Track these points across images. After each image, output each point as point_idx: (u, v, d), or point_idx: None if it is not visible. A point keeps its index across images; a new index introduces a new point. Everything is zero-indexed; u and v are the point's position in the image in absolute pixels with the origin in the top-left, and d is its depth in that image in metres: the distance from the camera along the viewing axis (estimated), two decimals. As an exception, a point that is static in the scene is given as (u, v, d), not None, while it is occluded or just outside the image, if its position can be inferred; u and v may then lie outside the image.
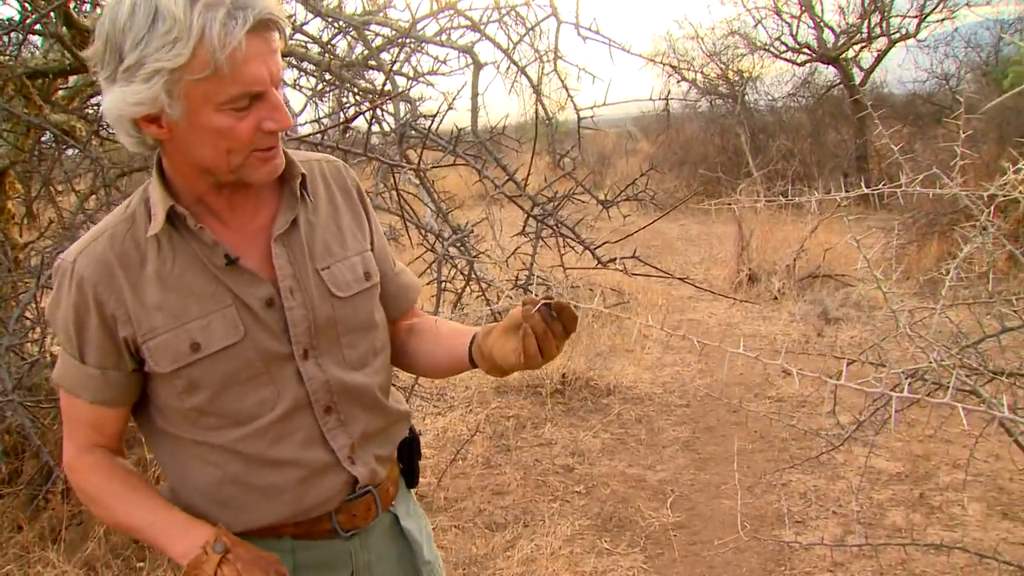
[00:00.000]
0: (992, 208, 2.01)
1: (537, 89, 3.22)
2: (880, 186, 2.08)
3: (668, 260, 9.86)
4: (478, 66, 3.02)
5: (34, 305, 2.68)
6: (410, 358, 1.56)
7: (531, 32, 3.39)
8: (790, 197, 2.29)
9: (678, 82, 15.99)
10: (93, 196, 3.45)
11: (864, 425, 2.89)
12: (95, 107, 4.32)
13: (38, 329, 3.11)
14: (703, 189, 14.17)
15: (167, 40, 1.10)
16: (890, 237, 8.54)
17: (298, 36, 3.18)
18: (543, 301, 1.30)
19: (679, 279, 2.63)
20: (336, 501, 1.39)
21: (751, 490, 4.07)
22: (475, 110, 3.00)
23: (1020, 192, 1.83)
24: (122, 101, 1.15)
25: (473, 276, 2.98)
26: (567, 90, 3.21)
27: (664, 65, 14.50)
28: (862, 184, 2.19)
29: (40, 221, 4.12)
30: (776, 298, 7.90)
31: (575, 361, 5.74)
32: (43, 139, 3.80)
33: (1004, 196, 1.86)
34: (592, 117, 3.26)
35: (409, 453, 1.55)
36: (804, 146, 14.37)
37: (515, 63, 3.16)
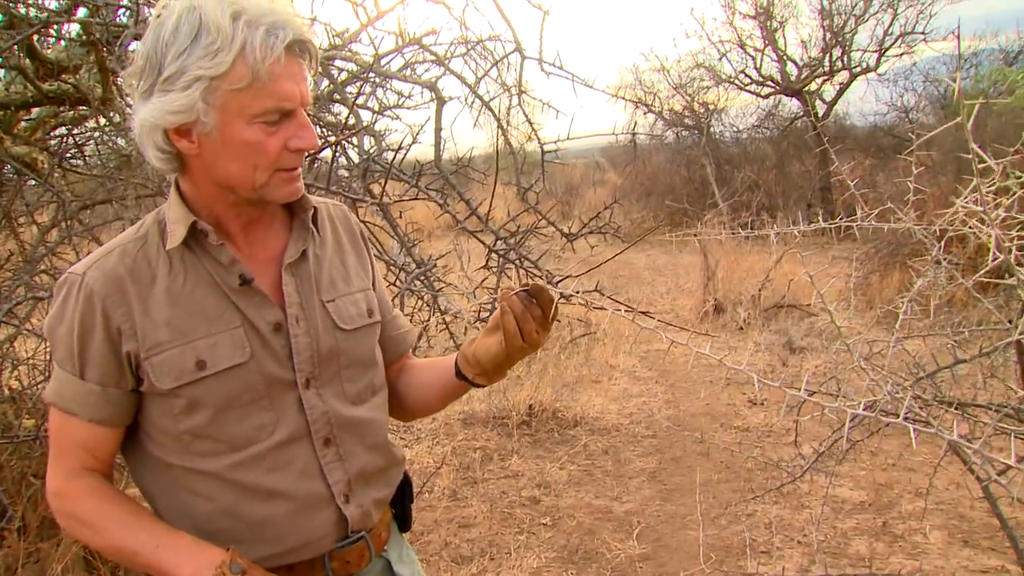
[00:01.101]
0: (944, 242, 2.06)
1: (501, 124, 3.25)
2: (838, 220, 2.12)
3: (635, 290, 9.93)
4: (441, 101, 3.04)
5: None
6: (400, 395, 1.57)
7: (497, 66, 3.42)
8: (751, 230, 2.33)
9: (644, 114, 16.22)
10: (55, 229, 3.41)
11: (826, 455, 2.91)
12: (58, 139, 4.29)
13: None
14: (670, 220, 14.32)
15: (209, 51, 1.17)
16: (852, 266, 8.69)
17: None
18: (521, 288, 1.36)
19: (641, 312, 2.64)
20: (328, 541, 1.37)
21: (716, 521, 4.09)
22: (438, 144, 3.02)
23: (970, 227, 1.88)
24: (159, 111, 1.20)
25: (438, 309, 2.99)
26: (531, 125, 3.24)
27: (628, 100, 14.69)
28: (819, 217, 2.24)
29: (1, 252, 4.07)
30: (742, 328, 7.98)
31: (542, 392, 5.74)
32: (4, 171, 3.76)
33: (955, 231, 1.91)
34: (556, 151, 3.29)
35: (402, 497, 1.55)
36: (769, 177, 14.58)
37: (480, 97, 3.19)
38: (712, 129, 15.83)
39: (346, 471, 1.38)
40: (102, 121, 3.76)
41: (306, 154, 1.31)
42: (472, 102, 3.37)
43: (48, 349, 3.85)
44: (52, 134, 4.18)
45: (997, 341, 2.30)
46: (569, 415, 5.68)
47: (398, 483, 1.52)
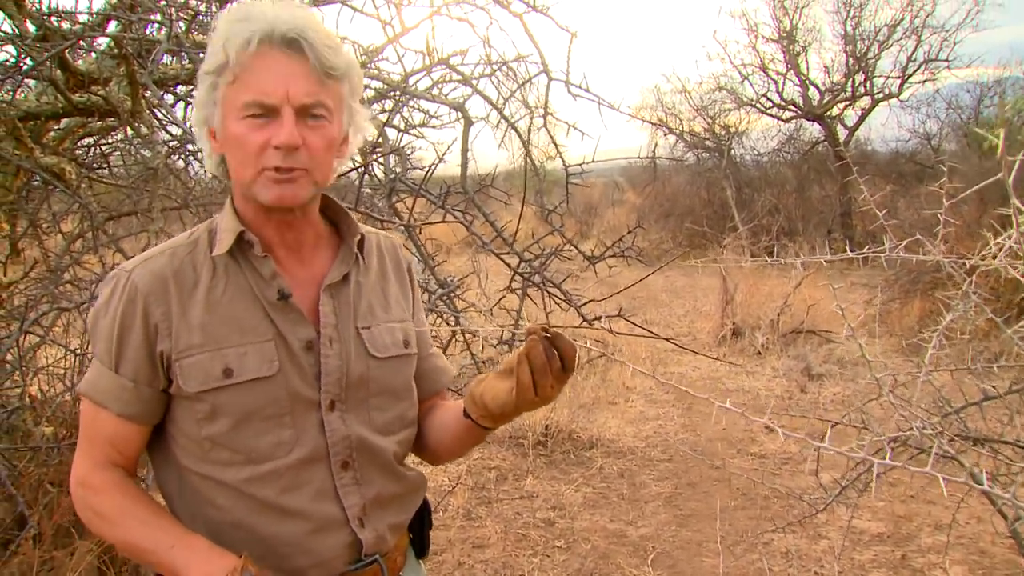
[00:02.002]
0: (974, 277, 2.04)
1: (527, 145, 3.25)
2: (865, 250, 2.10)
3: (653, 312, 9.88)
4: (468, 123, 3.05)
5: (16, 349, 2.66)
6: (423, 434, 1.53)
7: (522, 87, 3.43)
8: (776, 258, 2.31)
9: (665, 135, 16.23)
10: (80, 239, 3.44)
11: (840, 485, 2.88)
12: (85, 148, 4.33)
13: (17, 375, 3.07)
14: (689, 242, 14.28)
15: (213, 50, 1.26)
16: (872, 293, 8.61)
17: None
18: (543, 330, 1.26)
19: (664, 339, 2.64)
20: (339, 563, 1.36)
21: (732, 549, 4.05)
22: (464, 165, 3.03)
23: (1000, 261, 1.86)
24: (195, 110, 1.30)
25: (459, 327, 2.98)
26: (556, 147, 3.24)
27: (653, 124, 14.71)
28: (847, 247, 2.22)
29: (25, 258, 4.09)
30: (760, 353, 7.92)
31: (558, 413, 5.71)
32: (33, 179, 3.79)
33: (985, 266, 1.89)
34: (581, 173, 3.29)
35: (420, 522, 1.54)
36: (789, 201, 14.54)
37: (506, 119, 3.19)
38: (733, 152, 15.82)
39: (362, 495, 1.37)
40: (129, 132, 3.80)
41: (295, 157, 1.26)
42: (498, 123, 3.37)
43: (66, 360, 3.87)
44: (80, 143, 4.22)
45: (1025, 376, 2.27)
46: (585, 436, 5.64)
47: (416, 509, 1.51)
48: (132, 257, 1.41)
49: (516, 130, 3.25)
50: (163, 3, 2.99)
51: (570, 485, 4.90)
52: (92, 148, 4.35)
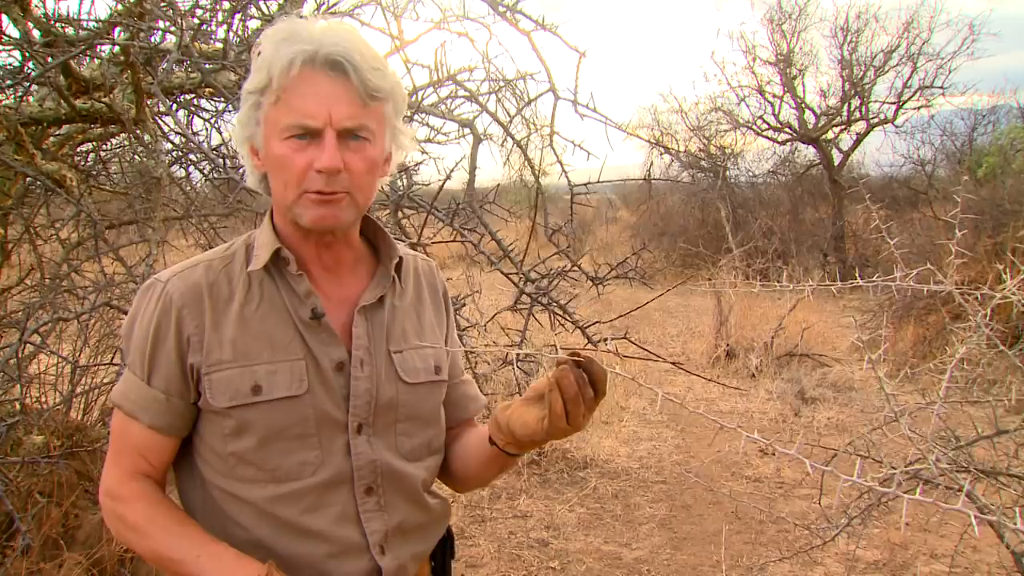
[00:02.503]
0: (988, 309, 2.03)
1: (535, 169, 3.22)
2: (875, 278, 2.09)
3: (646, 332, 9.86)
4: (477, 140, 3.03)
5: (15, 360, 2.61)
6: (448, 460, 1.52)
7: (528, 105, 3.41)
8: (783, 284, 2.29)
9: (661, 154, 16.27)
10: (80, 246, 3.40)
11: (848, 515, 2.86)
12: (83, 155, 4.29)
13: (15, 387, 3.02)
14: (683, 262, 14.28)
15: (257, 69, 1.25)
16: (865, 317, 8.60)
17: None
18: (571, 356, 1.23)
19: (671, 362, 2.62)
20: None
21: (728, 574, 4.01)
22: (472, 183, 3.01)
23: (1015, 295, 1.85)
24: (237, 127, 1.29)
25: (471, 348, 2.96)
26: (562, 166, 3.22)
27: (650, 143, 14.74)
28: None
29: (22, 263, 4.04)
30: (754, 375, 7.90)
31: (553, 431, 5.67)
32: (32, 185, 3.75)
33: (1001, 299, 1.88)
34: (586, 194, 3.27)
35: (442, 551, 1.52)
36: (783, 223, 14.56)
37: (512, 137, 3.18)
38: (728, 172, 15.87)
39: (385, 522, 1.35)
40: (131, 139, 3.76)
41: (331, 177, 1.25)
42: (503, 140, 3.35)
43: (59, 368, 3.83)
44: (79, 149, 4.18)
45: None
46: (579, 456, 5.61)
47: (440, 538, 1.49)
48: (131, 265, 1.40)
49: (523, 149, 3.24)
50: (170, 12, 2.97)
51: (564, 505, 4.87)
52: (91, 154, 4.31)
